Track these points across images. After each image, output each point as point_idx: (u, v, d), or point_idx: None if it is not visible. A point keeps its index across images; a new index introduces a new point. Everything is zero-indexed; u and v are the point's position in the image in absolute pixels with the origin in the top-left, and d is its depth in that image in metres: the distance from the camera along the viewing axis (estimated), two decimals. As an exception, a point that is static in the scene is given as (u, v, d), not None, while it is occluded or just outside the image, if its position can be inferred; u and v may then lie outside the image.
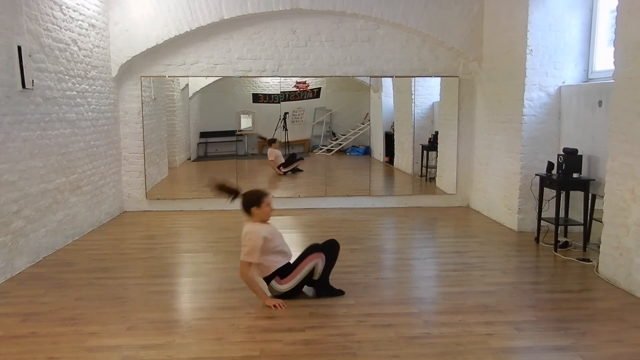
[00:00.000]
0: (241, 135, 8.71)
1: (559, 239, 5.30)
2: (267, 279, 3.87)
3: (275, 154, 8.46)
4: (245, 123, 8.79)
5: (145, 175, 7.26)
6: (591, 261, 4.82)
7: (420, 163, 8.23)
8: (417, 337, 3.31)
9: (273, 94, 8.16)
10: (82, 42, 5.88)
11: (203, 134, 8.76)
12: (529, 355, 3.12)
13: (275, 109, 8.16)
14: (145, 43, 6.72)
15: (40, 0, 4.98)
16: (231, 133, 8.60)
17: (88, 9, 6.04)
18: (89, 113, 6.08)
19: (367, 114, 8.94)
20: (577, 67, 5.79)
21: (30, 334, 3.35)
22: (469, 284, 4.34)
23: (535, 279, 4.54)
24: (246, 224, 3.84)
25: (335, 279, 4.40)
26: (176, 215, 7.04)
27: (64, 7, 5.45)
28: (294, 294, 3.90)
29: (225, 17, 6.66)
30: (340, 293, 4.00)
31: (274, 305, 3.71)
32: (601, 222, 4.56)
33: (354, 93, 8.86)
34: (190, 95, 8.16)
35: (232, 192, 3.83)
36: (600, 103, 5.15)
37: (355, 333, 3.36)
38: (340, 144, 9.22)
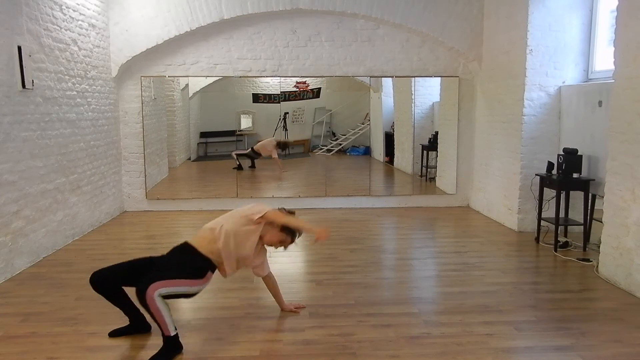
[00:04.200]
0: (241, 135, 8.71)
1: (559, 239, 5.30)
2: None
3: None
4: (245, 123, 8.79)
5: (145, 175, 7.25)
6: (591, 261, 4.82)
7: (420, 163, 8.23)
8: (417, 337, 3.31)
9: (273, 94, 8.16)
10: (82, 42, 5.88)
11: (203, 134, 8.76)
12: (529, 355, 3.12)
13: (275, 109, 8.15)
14: (145, 43, 6.72)
15: (40, 0, 4.98)
16: (231, 133, 8.61)
17: (88, 9, 6.04)
18: (89, 113, 6.08)
19: (367, 114, 8.93)
20: (577, 67, 5.79)
21: (30, 334, 3.35)
22: (469, 284, 4.34)
23: (535, 279, 4.54)
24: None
25: (336, 279, 4.42)
26: (176, 215, 7.04)
27: (64, 7, 5.45)
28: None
29: (225, 17, 6.66)
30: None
31: None
32: (601, 222, 4.56)
33: (354, 93, 8.85)
34: (190, 95, 8.16)
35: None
36: (600, 103, 5.14)
37: (355, 333, 3.36)
38: (340, 144, 9.21)
